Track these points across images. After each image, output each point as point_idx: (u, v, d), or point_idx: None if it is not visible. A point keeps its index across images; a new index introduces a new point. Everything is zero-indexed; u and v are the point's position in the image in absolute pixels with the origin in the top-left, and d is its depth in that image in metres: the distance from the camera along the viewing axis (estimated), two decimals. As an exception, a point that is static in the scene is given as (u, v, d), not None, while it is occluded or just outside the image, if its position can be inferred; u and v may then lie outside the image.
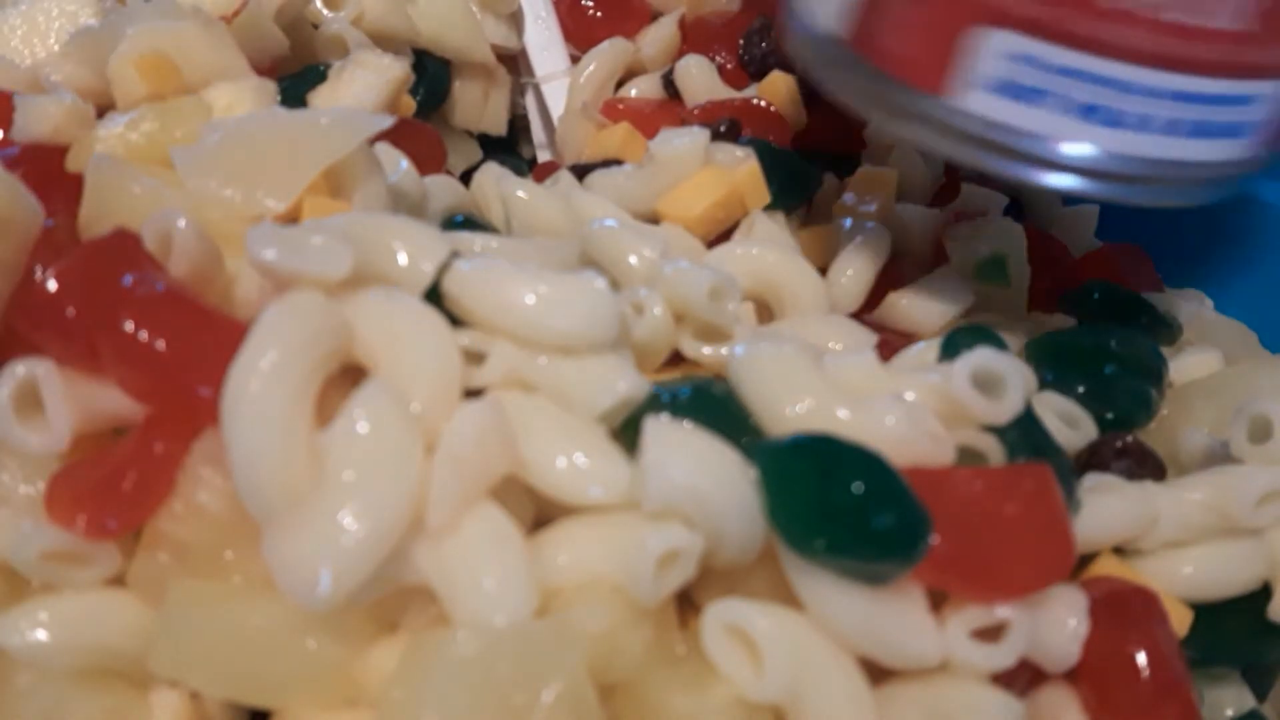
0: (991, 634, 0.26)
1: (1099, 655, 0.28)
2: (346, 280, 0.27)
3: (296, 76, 0.47)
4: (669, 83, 0.57)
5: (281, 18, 0.48)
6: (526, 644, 0.24)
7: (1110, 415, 0.38)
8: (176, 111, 0.36)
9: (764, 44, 0.57)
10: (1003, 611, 0.26)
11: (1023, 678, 0.28)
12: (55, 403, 0.27)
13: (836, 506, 0.25)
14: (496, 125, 0.57)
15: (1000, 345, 0.30)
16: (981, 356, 0.29)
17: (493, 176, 0.45)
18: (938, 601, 0.27)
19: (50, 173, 0.34)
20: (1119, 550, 0.32)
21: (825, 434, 0.26)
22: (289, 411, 0.25)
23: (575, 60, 0.58)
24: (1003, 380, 0.28)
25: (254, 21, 0.46)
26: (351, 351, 0.27)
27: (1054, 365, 0.40)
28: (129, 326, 0.27)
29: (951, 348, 0.31)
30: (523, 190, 0.43)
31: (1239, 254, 0.53)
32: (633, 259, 0.35)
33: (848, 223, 0.46)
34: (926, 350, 0.33)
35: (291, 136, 0.32)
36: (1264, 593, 0.32)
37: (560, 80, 0.57)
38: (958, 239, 0.48)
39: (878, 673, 0.26)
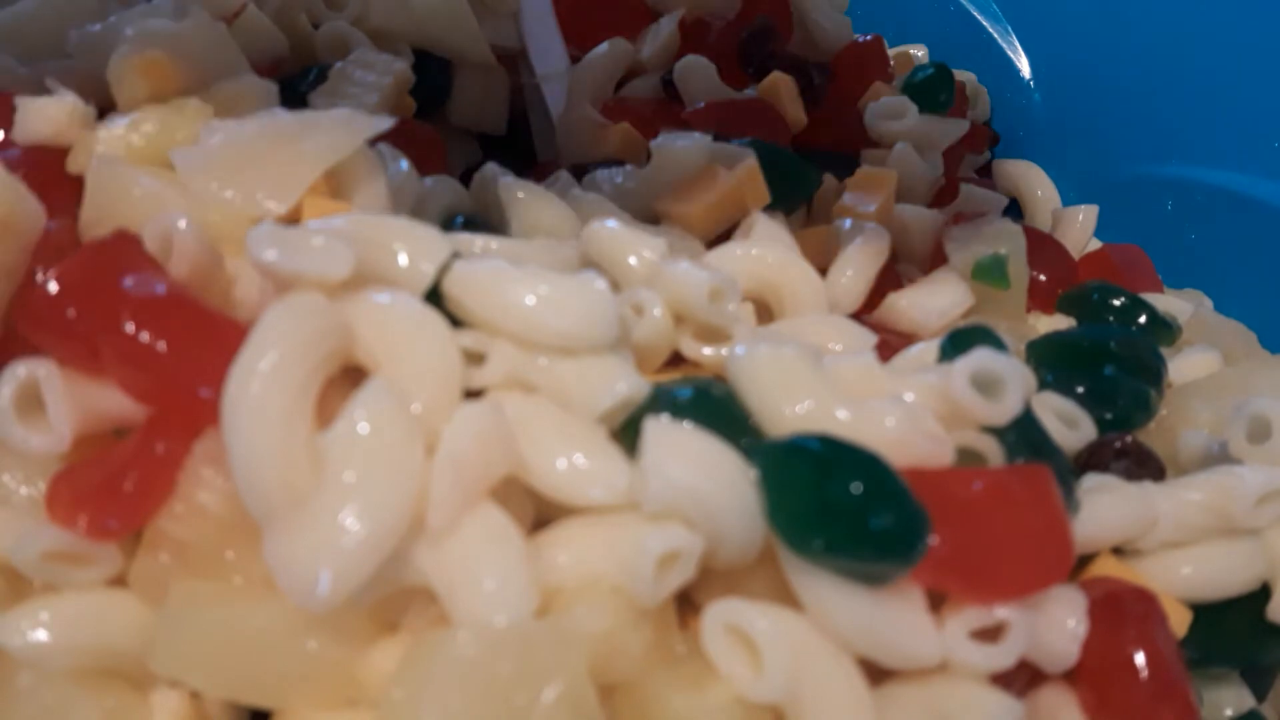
0: (991, 634, 0.26)
1: (1098, 656, 0.28)
2: (347, 281, 0.27)
3: (296, 76, 0.48)
4: (669, 83, 0.57)
5: (281, 18, 0.49)
6: (527, 644, 0.25)
7: (1110, 416, 0.38)
8: (177, 113, 0.36)
9: (764, 44, 0.57)
10: (1002, 612, 0.26)
11: (1022, 678, 0.28)
12: (56, 403, 0.27)
13: (835, 507, 0.25)
14: (496, 125, 0.57)
15: (1000, 346, 0.30)
16: (981, 357, 0.29)
17: (492, 177, 0.45)
18: (937, 602, 0.27)
19: (51, 174, 0.34)
20: (1118, 551, 0.32)
21: (825, 435, 0.26)
22: (289, 412, 0.25)
23: (575, 60, 0.58)
24: (1002, 381, 0.29)
25: (254, 21, 0.46)
26: (352, 352, 0.27)
27: (1054, 365, 0.40)
28: (130, 328, 0.27)
29: (951, 348, 0.32)
30: (523, 190, 0.43)
31: (1239, 254, 0.53)
32: (633, 260, 0.35)
33: (848, 223, 0.46)
34: (926, 351, 0.33)
35: (292, 138, 0.32)
36: (1263, 593, 0.32)
37: (560, 80, 0.57)
38: (958, 239, 0.48)
39: (877, 673, 0.26)
